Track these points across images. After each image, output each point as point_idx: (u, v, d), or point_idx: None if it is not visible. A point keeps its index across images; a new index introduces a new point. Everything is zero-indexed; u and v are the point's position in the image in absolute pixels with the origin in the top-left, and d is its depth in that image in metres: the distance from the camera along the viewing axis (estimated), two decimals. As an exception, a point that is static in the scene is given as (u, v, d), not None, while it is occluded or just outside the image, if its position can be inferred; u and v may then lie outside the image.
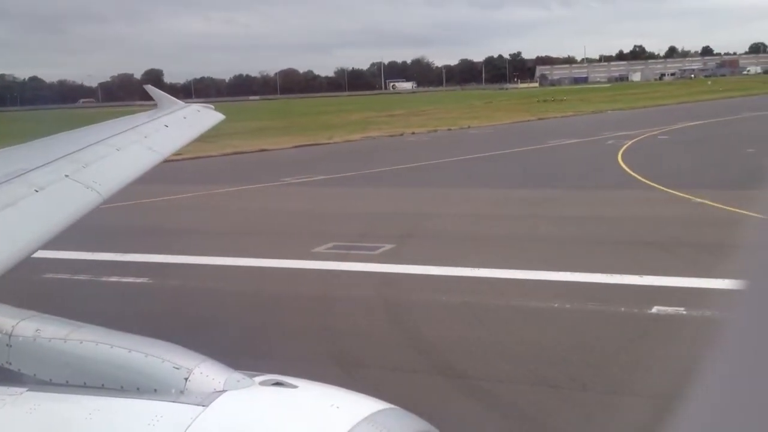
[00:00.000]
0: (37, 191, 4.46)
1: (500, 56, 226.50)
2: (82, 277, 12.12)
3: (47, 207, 4.47)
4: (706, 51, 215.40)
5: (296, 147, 36.31)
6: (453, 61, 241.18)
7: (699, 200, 16.53)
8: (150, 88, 9.54)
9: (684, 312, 8.94)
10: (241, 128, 45.98)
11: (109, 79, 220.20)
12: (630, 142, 30.57)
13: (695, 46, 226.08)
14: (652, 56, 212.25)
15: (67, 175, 4.94)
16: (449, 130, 43.49)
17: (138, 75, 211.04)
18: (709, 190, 17.62)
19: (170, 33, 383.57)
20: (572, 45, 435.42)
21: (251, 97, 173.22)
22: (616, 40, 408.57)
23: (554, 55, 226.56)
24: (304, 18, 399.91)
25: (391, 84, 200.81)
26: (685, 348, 7.86)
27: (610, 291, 9.99)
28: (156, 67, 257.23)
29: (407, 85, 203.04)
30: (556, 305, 9.55)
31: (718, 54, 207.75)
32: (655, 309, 9.09)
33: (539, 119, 49.17)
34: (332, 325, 9.16)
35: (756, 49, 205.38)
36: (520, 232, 14.41)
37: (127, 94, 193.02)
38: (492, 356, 7.81)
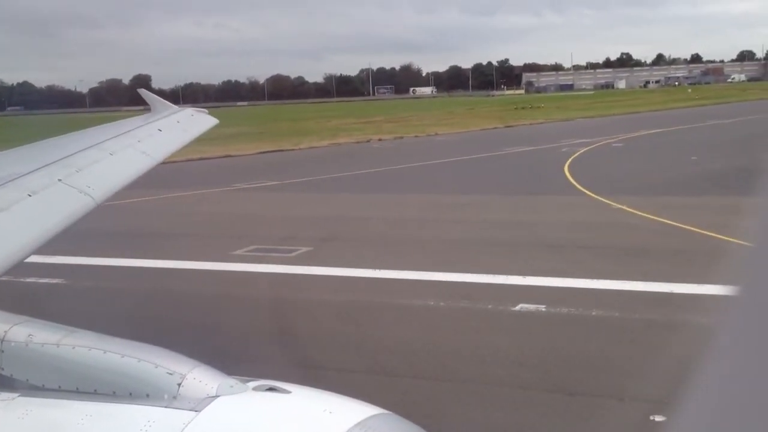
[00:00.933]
0: (30, 196, 4.44)
1: (489, 63, 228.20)
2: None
3: (40, 212, 4.45)
4: (695, 58, 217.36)
5: (261, 153, 36.94)
6: (446, 68, 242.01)
7: (618, 206, 17.24)
8: (144, 92, 9.62)
9: (543, 309, 9.62)
10: (216, 134, 46.36)
11: (97, 85, 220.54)
12: (583, 150, 31.35)
13: (687, 54, 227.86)
14: (638, 63, 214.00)
15: (60, 180, 4.91)
16: (416, 137, 44.24)
17: (126, 80, 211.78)
18: (633, 197, 18.33)
19: (162, 38, 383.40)
20: (564, 52, 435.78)
21: (239, 103, 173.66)
22: (608, 46, 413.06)
23: (545, 62, 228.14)
24: (296, 24, 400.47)
25: (412, 89, 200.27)
26: (523, 340, 8.57)
27: (488, 290, 10.66)
28: (148, 72, 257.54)
29: (427, 90, 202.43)
30: (431, 303, 10.22)
31: (710, 61, 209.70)
32: (518, 306, 9.77)
33: (507, 127, 49.94)
34: (203, 321, 9.78)
35: (743, 56, 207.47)
36: (435, 236, 15.08)
37: (115, 99, 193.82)
38: (345, 349, 8.46)
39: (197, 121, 9.05)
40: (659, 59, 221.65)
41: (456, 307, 10.03)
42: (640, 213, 16.14)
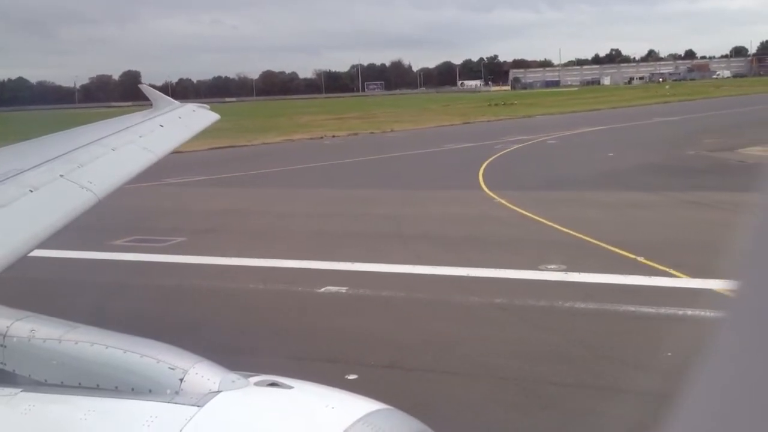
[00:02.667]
0: (31, 191, 4.44)
1: (481, 59, 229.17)
2: None
3: (42, 207, 4.44)
4: (689, 54, 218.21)
5: (211, 149, 37.92)
6: (436, 64, 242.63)
7: (499, 200, 18.31)
8: (145, 88, 9.57)
9: (343, 290, 10.74)
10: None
11: (87, 81, 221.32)
12: (515, 147, 32.44)
13: (683, 49, 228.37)
14: (627, 60, 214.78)
15: (62, 175, 4.90)
16: (371, 133, 45.30)
17: (116, 76, 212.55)
18: (520, 192, 19.46)
19: (158, 35, 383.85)
20: (563, 48, 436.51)
21: (227, 99, 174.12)
22: (605, 42, 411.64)
23: (542, 58, 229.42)
24: (293, 20, 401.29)
25: (460, 82, 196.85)
26: (301, 315, 9.70)
27: (309, 274, 11.77)
28: (145, 68, 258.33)
29: (473, 83, 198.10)
30: (261, 287, 11.32)
31: (703, 57, 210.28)
32: (323, 288, 10.88)
33: (465, 123, 51.08)
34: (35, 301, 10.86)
35: (737, 52, 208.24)
36: (311, 228, 16.17)
37: (105, 95, 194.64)
38: (156, 323, 9.42)
39: (199, 116, 9.00)
40: (649, 55, 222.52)
41: (274, 289, 11.15)
42: (512, 207, 17.23)
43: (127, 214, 19.07)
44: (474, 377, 7.46)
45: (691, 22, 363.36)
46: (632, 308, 9.36)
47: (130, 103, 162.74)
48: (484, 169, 24.87)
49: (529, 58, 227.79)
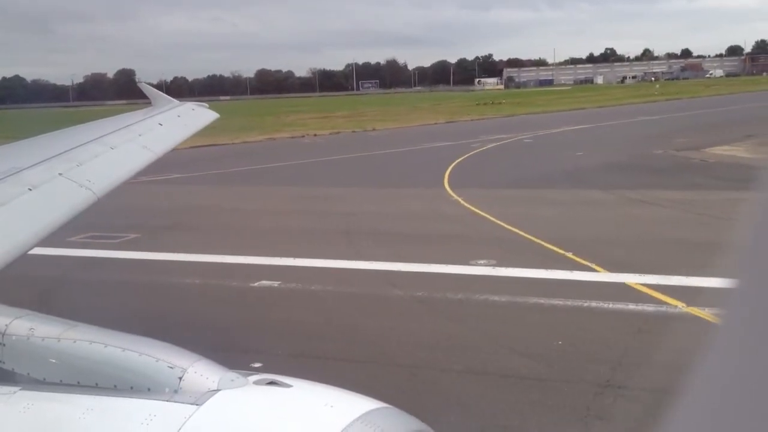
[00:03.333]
0: (30, 190, 4.43)
1: (477, 58, 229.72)
2: None
3: (41, 206, 4.43)
4: (686, 53, 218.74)
5: (193, 147, 38.22)
6: (431, 63, 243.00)
7: (455, 198, 18.73)
8: (144, 87, 9.56)
9: (276, 284, 11.14)
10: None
11: (82, 80, 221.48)
12: (490, 146, 32.87)
13: (683, 48, 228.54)
14: (621, 59, 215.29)
15: (60, 174, 4.90)
16: (353, 132, 45.72)
17: (111, 74, 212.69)
18: (478, 190, 19.90)
19: (157, 32, 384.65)
20: (562, 46, 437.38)
21: (222, 98, 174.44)
22: (604, 41, 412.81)
23: (542, 56, 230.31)
24: (292, 18, 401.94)
25: (477, 80, 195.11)
26: (226, 308, 10.10)
27: (247, 269, 12.16)
28: (140, 66, 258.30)
29: (492, 81, 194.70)
30: (197, 282, 11.72)
31: (700, 56, 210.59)
32: (257, 283, 11.28)
33: (448, 122, 51.45)
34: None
35: (733, 51, 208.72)
36: (267, 225, 16.57)
37: (100, 93, 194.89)
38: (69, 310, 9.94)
39: (198, 115, 9.00)
40: (644, 54, 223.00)
41: (209, 284, 11.55)
42: (466, 204, 17.63)
43: (89, 210, 19.53)
44: (370, 363, 7.86)
45: (690, 20, 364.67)
46: (542, 301, 9.77)
47: (124, 101, 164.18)
48: (453, 168, 25.28)
49: (528, 56, 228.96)
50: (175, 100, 9.17)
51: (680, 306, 9.23)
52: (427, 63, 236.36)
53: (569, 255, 12.06)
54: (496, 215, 15.85)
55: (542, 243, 13.07)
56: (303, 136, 43.27)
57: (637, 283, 10.28)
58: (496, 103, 79.09)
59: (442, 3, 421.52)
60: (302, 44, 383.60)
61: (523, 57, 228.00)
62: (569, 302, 9.63)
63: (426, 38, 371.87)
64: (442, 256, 12.41)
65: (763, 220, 0.66)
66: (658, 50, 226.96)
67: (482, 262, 11.92)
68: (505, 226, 14.78)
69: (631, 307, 9.34)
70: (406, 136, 40.68)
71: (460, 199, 18.46)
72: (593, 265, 11.37)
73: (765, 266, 0.64)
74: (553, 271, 11.21)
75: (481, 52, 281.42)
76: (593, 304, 9.50)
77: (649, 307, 9.27)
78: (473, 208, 17.01)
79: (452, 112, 62.23)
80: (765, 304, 0.62)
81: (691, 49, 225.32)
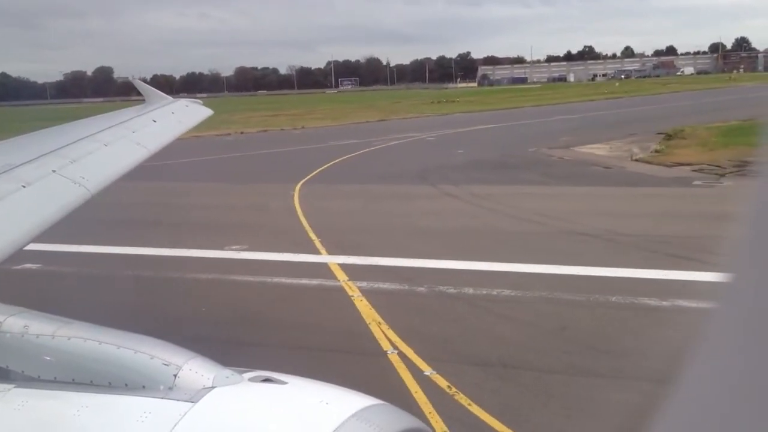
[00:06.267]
0: (24, 187, 4.42)
1: (460, 55, 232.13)
2: None
3: (34, 203, 4.42)
4: (670, 51, 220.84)
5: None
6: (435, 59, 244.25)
7: (292, 194, 20.27)
8: (138, 83, 9.56)
9: (35, 267, 12.77)
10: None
11: (62, 78, 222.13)
12: (390, 144, 34.58)
13: (674, 45, 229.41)
14: (597, 56, 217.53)
15: (54, 171, 4.89)
16: (281, 130, 47.37)
17: (90, 72, 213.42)
18: (324, 185, 21.67)
19: (147, 29, 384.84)
20: (553, 43, 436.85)
21: (198, 95, 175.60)
22: (595, 38, 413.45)
23: (536, 53, 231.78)
24: (284, 13, 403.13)
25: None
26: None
27: (30, 255, 13.77)
28: (129, 63, 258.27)
29: (577, 68, 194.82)
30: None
31: (686, 53, 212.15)
32: (21, 266, 12.89)
33: (381, 121, 53.10)
34: None
35: (715, 49, 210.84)
36: (94, 216, 18.14)
37: (80, 91, 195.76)
38: None
39: (191, 111, 9.02)
40: (624, 52, 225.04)
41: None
42: (293, 198, 19.26)
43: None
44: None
45: (683, 18, 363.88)
46: (250, 278, 11.48)
47: (101, 99, 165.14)
48: (327, 166, 26.84)
49: (519, 54, 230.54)
50: (168, 96, 9.24)
51: (342, 280, 10.93)
52: (418, 59, 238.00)
53: (316, 241, 13.73)
54: (306, 208, 17.53)
55: (308, 231, 14.74)
56: (229, 134, 44.80)
57: (336, 263, 11.97)
58: (449, 101, 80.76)
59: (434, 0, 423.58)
60: (293, 41, 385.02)
61: (515, 54, 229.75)
62: (256, 278, 11.34)
63: (418, 35, 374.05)
64: (211, 242, 14.05)
65: (758, 214, 0.66)
66: (648, 48, 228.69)
67: (236, 247, 13.59)
68: (300, 217, 16.45)
69: (304, 281, 11.05)
70: (324, 135, 42.31)
71: (295, 195, 20.06)
72: (322, 249, 13.06)
73: (760, 261, 0.64)
74: (285, 254, 12.89)
75: (473, 49, 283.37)
76: (303, 281, 11.14)
77: (314, 282, 11.00)
78: (294, 202, 18.66)
79: (395, 111, 63.87)
80: (759, 299, 0.62)
81: (683, 46, 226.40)
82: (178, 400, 2.52)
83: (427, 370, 7.39)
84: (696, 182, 19.30)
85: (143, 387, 2.63)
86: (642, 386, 6.77)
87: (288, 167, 27.54)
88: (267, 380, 2.64)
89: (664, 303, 9.23)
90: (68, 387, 2.72)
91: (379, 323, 8.90)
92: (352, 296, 10.13)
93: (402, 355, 7.84)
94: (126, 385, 2.66)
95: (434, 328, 8.75)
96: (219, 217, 17.22)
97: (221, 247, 13.61)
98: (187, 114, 8.70)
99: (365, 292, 10.27)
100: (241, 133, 45.43)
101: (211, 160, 31.44)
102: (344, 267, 11.69)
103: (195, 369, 2.65)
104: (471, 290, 10.19)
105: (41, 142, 5.74)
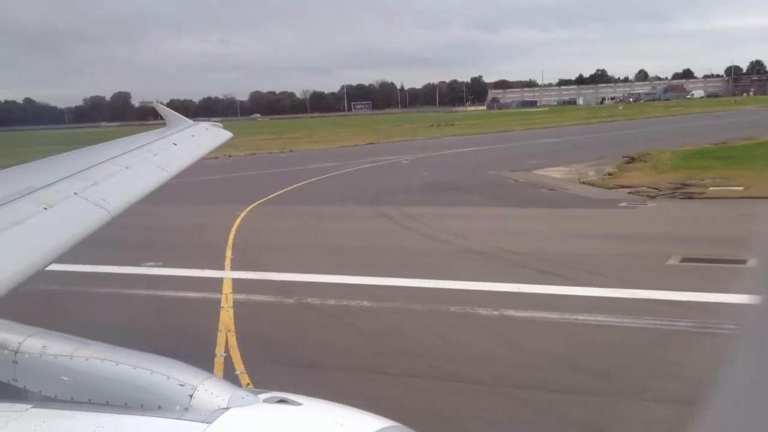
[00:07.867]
0: (46, 209, 4.49)
1: (473, 79, 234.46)
2: None
3: (56, 224, 4.47)
4: (687, 74, 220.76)
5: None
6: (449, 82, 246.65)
7: (245, 214, 21.33)
8: (159, 107, 9.74)
9: None
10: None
11: (81, 103, 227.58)
12: (363, 167, 35.59)
13: (693, 68, 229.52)
14: (609, 80, 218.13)
15: (76, 193, 4.97)
16: (269, 153, 48.72)
17: (108, 97, 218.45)
18: (274, 207, 22.64)
19: (166, 55, 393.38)
20: (566, 66, 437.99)
21: (213, 119, 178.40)
22: (613, 61, 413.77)
23: (549, 77, 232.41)
24: (302, 39, 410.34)
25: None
26: None
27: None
28: (149, 88, 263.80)
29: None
30: None
31: (707, 76, 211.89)
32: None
33: (368, 144, 54.32)
34: None
35: (730, 71, 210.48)
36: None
37: (98, 115, 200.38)
38: None
39: (212, 134, 9.14)
40: (638, 75, 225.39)
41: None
42: (237, 219, 20.26)
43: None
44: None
45: (703, 41, 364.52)
46: (143, 291, 12.47)
47: (117, 124, 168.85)
48: (290, 188, 27.90)
49: (531, 78, 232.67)
50: (188, 120, 9.38)
51: (225, 293, 11.90)
52: (431, 83, 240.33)
53: (228, 258, 14.70)
54: (242, 227, 18.55)
55: (228, 249, 15.73)
56: (217, 157, 46.10)
57: (230, 278, 12.95)
58: (449, 124, 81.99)
59: (452, 24, 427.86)
60: (312, 65, 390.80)
61: (527, 78, 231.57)
62: (148, 291, 12.34)
63: (435, 59, 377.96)
64: (132, 259, 15.06)
65: None
66: (668, 71, 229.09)
67: (152, 263, 14.59)
68: (230, 236, 17.44)
69: (190, 294, 12.02)
70: (308, 157, 43.48)
71: (241, 215, 21.04)
72: (227, 266, 14.03)
73: None
74: (189, 269, 13.86)
75: (486, 73, 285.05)
76: (165, 292, 12.18)
77: (198, 294, 12.00)
78: (235, 222, 19.66)
79: (390, 134, 65.15)
80: None
81: (701, 70, 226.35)
82: (193, 420, 2.55)
83: (239, 370, 8.27)
84: (622, 203, 20.00)
85: (159, 407, 2.66)
86: (413, 382, 7.59)
87: (252, 189, 28.56)
88: (282, 401, 2.68)
89: (494, 312, 10.04)
90: (85, 407, 2.76)
91: (229, 330, 9.80)
92: (223, 307, 11.05)
93: (227, 358, 8.72)
94: (142, 405, 2.69)
95: (274, 335, 9.65)
96: (154, 236, 18.24)
97: (137, 264, 14.60)
98: (207, 137, 8.86)
99: (237, 304, 11.20)
100: (229, 156, 46.71)
101: (184, 182, 32.47)
102: (236, 281, 12.63)
103: (210, 389, 2.69)
104: (333, 301, 11.07)
105: (63, 165, 5.80)
